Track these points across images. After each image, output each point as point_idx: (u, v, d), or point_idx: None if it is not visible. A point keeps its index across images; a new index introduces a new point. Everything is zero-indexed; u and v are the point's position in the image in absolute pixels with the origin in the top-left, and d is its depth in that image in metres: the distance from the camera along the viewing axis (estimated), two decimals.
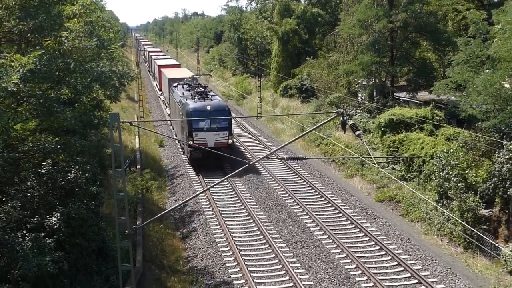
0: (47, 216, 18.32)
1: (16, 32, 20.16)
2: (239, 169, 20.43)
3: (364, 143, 40.45)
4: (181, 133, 45.85)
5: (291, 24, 73.09)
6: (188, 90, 48.86)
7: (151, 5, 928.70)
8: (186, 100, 44.32)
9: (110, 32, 27.93)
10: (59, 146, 20.00)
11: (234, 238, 29.29)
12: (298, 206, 34.26)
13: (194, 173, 42.10)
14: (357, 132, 16.59)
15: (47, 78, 18.79)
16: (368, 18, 48.38)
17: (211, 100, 44.43)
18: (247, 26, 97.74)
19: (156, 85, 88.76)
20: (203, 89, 47.17)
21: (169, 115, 60.84)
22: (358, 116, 49.20)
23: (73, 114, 20.87)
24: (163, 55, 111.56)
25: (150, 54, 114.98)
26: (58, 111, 19.32)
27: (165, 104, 69.23)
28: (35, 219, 18.09)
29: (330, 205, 34.39)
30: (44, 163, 19.47)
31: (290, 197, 35.99)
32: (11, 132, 18.50)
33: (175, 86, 53.71)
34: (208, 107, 41.63)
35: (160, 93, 79.98)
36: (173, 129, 56.77)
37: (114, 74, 27.79)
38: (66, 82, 21.07)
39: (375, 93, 52.17)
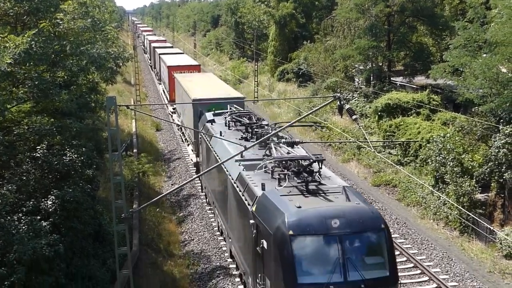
0: (43, 200, 18.29)
1: (12, 14, 20.04)
2: (235, 154, 20.31)
3: (361, 127, 40.43)
4: (253, 275, 17.33)
5: (288, 8, 72.82)
6: (245, 138, 23.71)
7: None
8: (263, 185, 16.93)
9: (104, 12, 27.76)
10: (54, 129, 19.93)
11: None
12: None
13: None
14: (353, 117, 16.46)
15: (42, 60, 18.68)
16: (365, 2, 48.17)
17: (328, 191, 16.57)
18: (244, 10, 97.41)
19: (164, 91, 64.20)
20: (301, 159, 18.62)
21: (197, 162, 34.62)
22: (355, 100, 49.17)
23: (69, 96, 20.78)
24: (170, 48, 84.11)
25: (153, 46, 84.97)
26: (53, 94, 19.23)
27: (184, 134, 44.83)
28: (31, 203, 18.04)
29: None
30: (39, 147, 19.41)
31: None
32: (7, 114, 18.42)
33: (212, 121, 28.52)
34: (335, 223, 14.81)
35: (173, 109, 53.42)
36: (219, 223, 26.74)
37: (109, 55, 27.65)
38: (62, 64, 20.96)
39: (372, 77, 52.10)
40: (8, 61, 15.21)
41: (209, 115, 29.86)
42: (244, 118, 26.28)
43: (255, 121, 25.66)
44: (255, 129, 23.97)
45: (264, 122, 25.89)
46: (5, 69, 15.21)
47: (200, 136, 30.86)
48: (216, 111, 30.36)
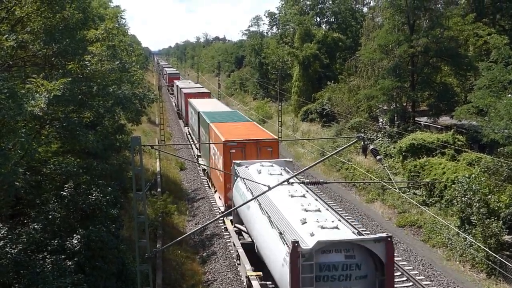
0: (68, 239, 18.41)
1: (40, 56, 20.46)
2: (261, 193, 20.23)
3: (385, 167, 40.24)
4: None
5: (312, 49, 73.38)
6: None
7: (173, 30, 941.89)
8: None
9: (132, 55, 28.26)
10: (81, 170, 20.16)
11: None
12: None
13: None
14: (378, 157, 16.28)
15: (70, 101, 19.01)
16: (389, 43, 48.46)
17: None
18: (268, 50, 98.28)
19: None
20: None
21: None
22: (379, 140, 49.04)
23: (95, 137, 21.05)
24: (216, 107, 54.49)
25: (193, 103, 58.06)
26: (80, 134, 19.50)
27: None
28: (56, 241, 18.18)
29: None
30: (66, 186, 19.62)
31: None
32: (35, 155, 18.69)
33: None
34: None
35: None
36: None
37: (134, 96, 28.01)
38: (88, 105, 21.29)
39: (396, 117, 52.04)
40: (42, 106, 15.52)
41: None
42: None
43: None
44: None
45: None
46: (37, 113, 15.50)
47: None
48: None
